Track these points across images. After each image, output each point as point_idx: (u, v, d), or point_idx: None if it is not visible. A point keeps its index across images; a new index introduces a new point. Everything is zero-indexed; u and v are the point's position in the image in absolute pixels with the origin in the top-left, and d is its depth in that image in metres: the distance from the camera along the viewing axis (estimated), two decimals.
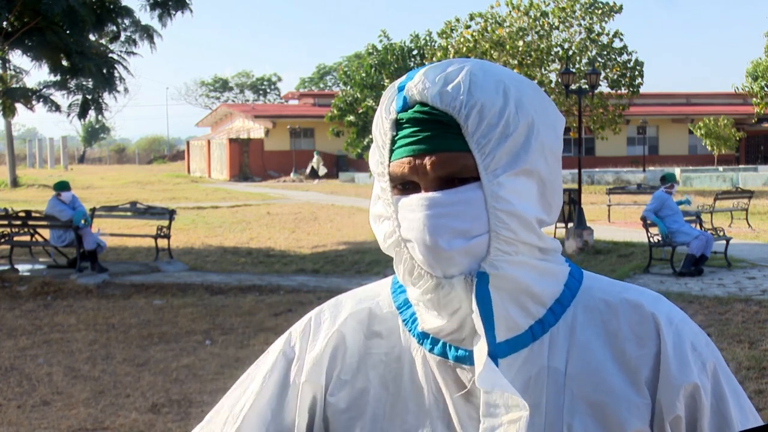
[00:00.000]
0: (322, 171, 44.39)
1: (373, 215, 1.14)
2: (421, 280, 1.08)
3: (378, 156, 1.11)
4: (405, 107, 1.07)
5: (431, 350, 1.12)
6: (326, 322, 1.20)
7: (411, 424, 1.12)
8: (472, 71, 1.06)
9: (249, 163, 47.37)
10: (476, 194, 1.04)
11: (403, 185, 1.07)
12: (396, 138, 1.07)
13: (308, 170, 45.33)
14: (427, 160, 1.04)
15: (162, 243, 13.45)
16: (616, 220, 19.46)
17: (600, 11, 28.53)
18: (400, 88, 1.08)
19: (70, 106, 14.91)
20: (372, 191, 1.15)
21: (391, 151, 1.08)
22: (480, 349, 1.04)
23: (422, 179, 1.05)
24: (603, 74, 28.24)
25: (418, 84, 1.06)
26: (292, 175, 45.32)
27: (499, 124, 1.04)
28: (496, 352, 1.05)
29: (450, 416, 1.11)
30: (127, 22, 14.65)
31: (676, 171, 33.35)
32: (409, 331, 1.15)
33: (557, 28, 28.54)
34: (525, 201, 1.06)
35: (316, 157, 45.05)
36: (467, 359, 1.09)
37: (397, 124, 1.08)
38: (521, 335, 1.10)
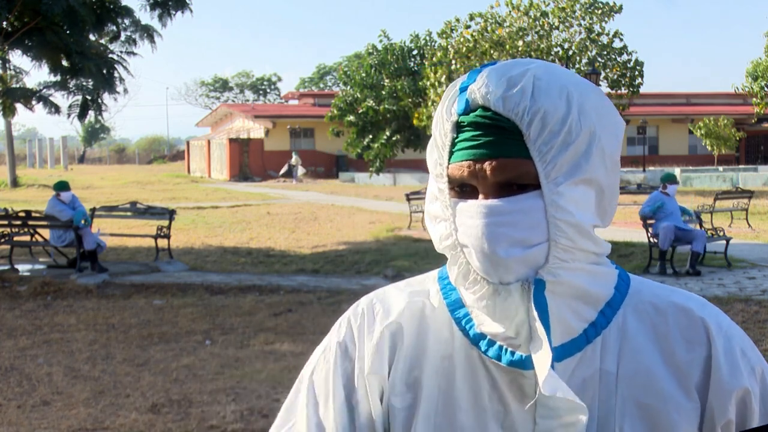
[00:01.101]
0: (300, 171, 43.29)
1: (430, 215, 1.13)
2: (476, 285, 1.08)
3: (437, 156, 1.10)
4: (467, 110, 1.06)
5: (486, 352, 1.11)
6: (380, 314, 1.19)
7: (463, 422, 1.12)
8: (536, 75, 1.05)
9: (249, 163, 47.34)
10: (536, 203, 1.03)
11: (461, 187, 1.07)
12: (456, 140, 1.07)
13: (283, 170, 44.50)
14: (487, 165, 1.03)
15: (162, 243, 13.45)
16: (616, 220, 19.45)
17: (600, 11, 28.51)
18: (462, 89, 1.07)
19: (70, 106, 14.92)
20: (427, 189, 1.14)
21: (451, 153, 1.07)
22: (541, 356, 1.03)
23: (481, 184, 1.05)
24: (603, 74, 28.25)
25: (480, 87, 1.05)
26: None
27: (561, 131, 1.03)
28: (553, 357, 1.05)
29: (503, 417, 1.11)
30: (127, 22, 14.65)
31: (676, 171, 33.33)
32: (462, 330, 1.14)
33: (557, 28, 28.52)
34: (583, 210, 1.05)
35: (294, 157, 44.14)
36: (522, 364, 1.08)
37: (458, 126, 1.07)
38: (576, 339, 1.10)
